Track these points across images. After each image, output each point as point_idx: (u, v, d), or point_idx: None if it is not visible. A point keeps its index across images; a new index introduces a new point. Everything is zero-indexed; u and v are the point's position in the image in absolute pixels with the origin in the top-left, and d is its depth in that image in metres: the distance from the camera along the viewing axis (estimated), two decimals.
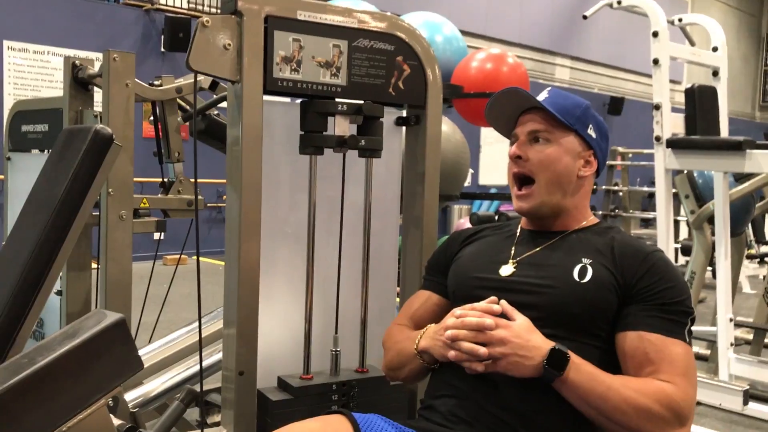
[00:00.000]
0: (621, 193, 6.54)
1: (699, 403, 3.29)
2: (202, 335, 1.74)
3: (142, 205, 2.56)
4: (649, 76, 3.20)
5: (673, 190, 4.15)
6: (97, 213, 2.32)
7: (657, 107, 3.14)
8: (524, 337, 1.19)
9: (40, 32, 7.46)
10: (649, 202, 9.69)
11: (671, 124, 3.18)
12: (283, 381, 1.58)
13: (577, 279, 1.29)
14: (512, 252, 1.39)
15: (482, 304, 1.26)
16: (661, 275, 1.27)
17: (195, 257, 1.49)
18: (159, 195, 2.69)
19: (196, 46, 1.42)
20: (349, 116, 1.57)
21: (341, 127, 1.57)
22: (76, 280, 2.50)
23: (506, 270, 1.36)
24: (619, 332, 1.26)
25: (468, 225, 6.65)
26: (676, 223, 5.70)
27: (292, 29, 1.49)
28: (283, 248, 1.66)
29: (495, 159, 12.62)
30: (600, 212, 6.49)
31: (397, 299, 1.80)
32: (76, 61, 2.46)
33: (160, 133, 2.64)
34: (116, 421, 1.35)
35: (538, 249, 1.38)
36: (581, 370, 1.18)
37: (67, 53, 7.02)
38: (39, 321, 2.68)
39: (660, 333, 1.23)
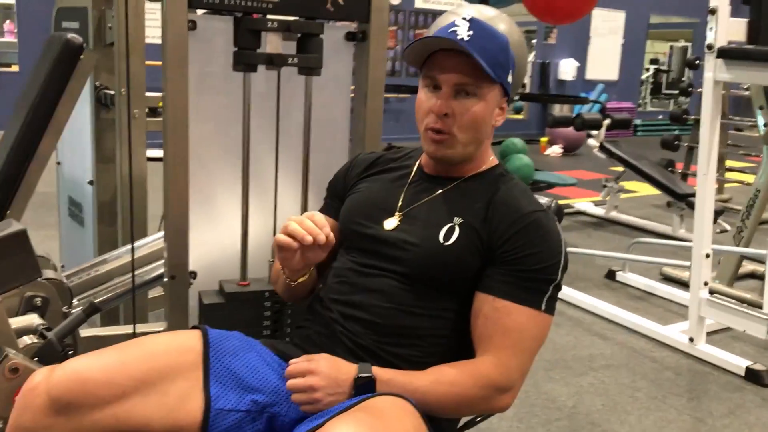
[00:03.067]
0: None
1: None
2: None
3: (160, 104, 2.67)
4: None
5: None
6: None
7: (712, 12, 2.84)
8: (332, 376, 1.15)
9: None
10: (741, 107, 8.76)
11: (729, 31, 2.87)
12: (221, 285, 1.68)
13: (442, 240, 1.26)
14: (400, 201, 1.36)
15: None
16: (528, 239, 1.22)
17: None
18: None
19: None
20: (282, 33, 1.56)
21: (273, 44, 1.56)
22: (104, 171, 2.70)
23: (390, 223, 1.33)
24: (477, 291, 1.25)
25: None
26: None
27: None
28: (224, 161, 1.71)
29: (605, 51, 11.87)
30: (693, 117, 6.04)
31: None
32: None
33: None
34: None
35: (426, 200, 1.34)
36: (391, 384, 1.16)
37: None
38: (78, 206, 2.94)
39: (510, 300, 1.20)
